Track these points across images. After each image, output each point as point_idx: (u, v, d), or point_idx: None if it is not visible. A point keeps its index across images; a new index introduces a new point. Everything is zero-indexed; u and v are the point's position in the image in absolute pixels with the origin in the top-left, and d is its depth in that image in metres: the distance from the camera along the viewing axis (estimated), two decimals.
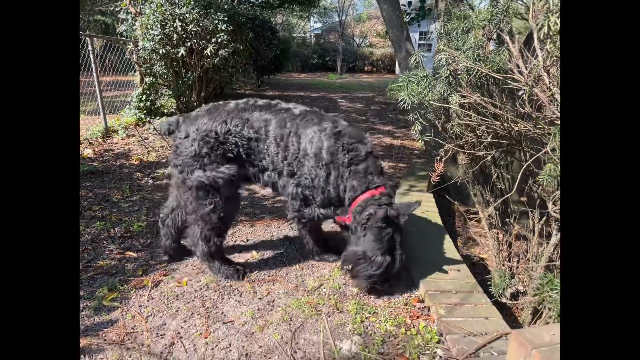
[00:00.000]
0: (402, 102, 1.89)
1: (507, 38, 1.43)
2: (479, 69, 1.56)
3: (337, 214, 1.88)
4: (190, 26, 5.30)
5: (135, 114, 5.55)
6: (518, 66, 1.42)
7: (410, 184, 3.37)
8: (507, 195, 1.77)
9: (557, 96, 1.24)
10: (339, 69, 19.12)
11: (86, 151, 4.09)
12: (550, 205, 1.27)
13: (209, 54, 5.50)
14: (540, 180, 1.17)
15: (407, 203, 1.79)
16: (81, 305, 1.68)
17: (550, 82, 1.27)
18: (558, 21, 1.13)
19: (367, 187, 1.75)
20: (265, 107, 1.89)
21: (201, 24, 5.34)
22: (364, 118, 7.52)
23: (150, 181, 3.37)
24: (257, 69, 9.89)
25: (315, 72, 20.14)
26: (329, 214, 1.89)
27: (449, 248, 2.10)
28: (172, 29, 5.22)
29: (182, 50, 5.32)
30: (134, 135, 4.86)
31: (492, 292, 1.72)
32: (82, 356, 1.40)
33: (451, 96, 1.76)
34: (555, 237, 1.51)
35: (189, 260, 2.09)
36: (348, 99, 10.30)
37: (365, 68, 20.90)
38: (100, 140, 4.60)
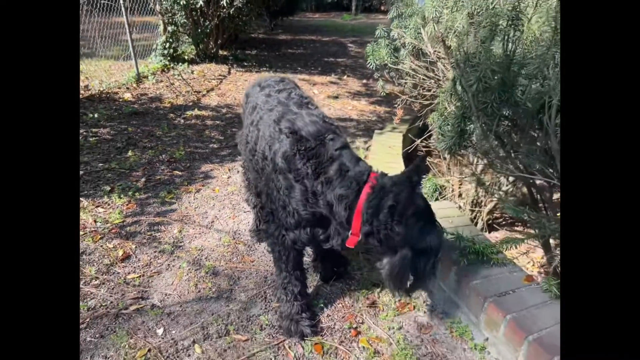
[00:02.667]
0: (369, 64, 2.60)
1: (422, 29, 2.11)
2: (416, 43, 2.26)
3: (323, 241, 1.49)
4: None
5: (161, 61, 6.25)
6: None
7: (392, 126, 4.12)
8: (430, 130, 2.52)
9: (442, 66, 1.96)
10: (353, 9, 18.73)
11: (126, 95, 4.90)
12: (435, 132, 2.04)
13: (225, 5, 6.03)
14: (430, 121, 1.93)
15: (410, 167, 1.32)
16: (151, 200, 2.60)
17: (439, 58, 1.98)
18: (437, 27, 1.82)
19: (358, 188, 1.34)
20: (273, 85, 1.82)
21: None
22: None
23: (182, 121, 4.21)
24: (270, 13, 10.19)
25: (330, 11, 19.77)
26: (303, 238, 1.47)
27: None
28: None
29: (200, 1, 5.86)
30: (162, 81, 5.61)
31: None
32: (159, 225, 2.33)
33: (403, 62, 2.47)
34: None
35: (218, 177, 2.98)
36: (358, 43, 10.58)
37: (382, 8, 20.32)
38: (134, 85, 5.38)
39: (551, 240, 1.78)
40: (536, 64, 1.20)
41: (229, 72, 6.50)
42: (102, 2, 5.24)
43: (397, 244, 1.31)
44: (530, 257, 2.38)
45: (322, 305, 1.75)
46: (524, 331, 1.27)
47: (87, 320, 1.65)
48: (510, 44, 1.33)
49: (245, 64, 7.16)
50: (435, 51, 2.05)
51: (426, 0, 2.30)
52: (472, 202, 2.78)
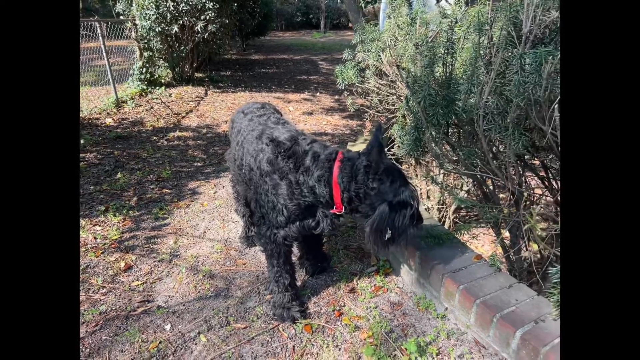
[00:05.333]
0: (338, 84, 2.93)
1: (381, 54, 2.46)
2: (378, 65, 2.61)
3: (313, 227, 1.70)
4: (182, 5, 6.08)
5: (138, 85, 6.44)
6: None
7: (364, 137, 4.46)
8: (393, 140, 2.86)
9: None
10: (322, 26, 19.42)
11: (107, 120, 5.07)
12: (397, 140, 2.37)
13: (199, 30, 6.32)
14: (393, 132, 2.26)
15: (372, 136, 1.52)
16: (145, 217, 2.81)
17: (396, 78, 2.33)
18: (393, 52, 2.17)
19: (330, 165, 1.56)
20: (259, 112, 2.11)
21: (190, 3, 6.12)
22: None
23: (165, 142, 4.42)
24: (242, 35, 10.55)
25: (299, 30, 20.40)
26: (293, 232, 1.70)
27: None
28: (165, 8, 6.01)
29: (175, 28, 6.14)
30: (141, 105, 5.80)
31: None
32: (155, 239, 2.55)
33: (369, 81, 2.81)
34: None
35: (203, 192, 3.21)
36: (329, 61, 11.07)
37: (350, 25, 21.13)
38: (114, 110, 5.54)
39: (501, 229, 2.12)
40: (466, 83, 1.54)
41: (206, 94, 6.75)
42: (81, 32, 5.42)
43: (375, 202, 1.50)
44: (480, 240, 2.74)
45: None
46: (473, 296, 1.58)
47: (101, 322, 1.85)
48: (447, 68, 1.68)
49: (221, 84, 7.44)
50: (394, 72, 2.40)
51: (385, 27, 2.67)
52: (439, 202, 3.13)
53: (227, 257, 2.38)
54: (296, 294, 1.89)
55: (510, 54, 1.39)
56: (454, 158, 2.06)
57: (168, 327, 1.83)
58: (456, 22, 1.80)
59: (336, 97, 7.07)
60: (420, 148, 1.94)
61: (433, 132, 1.78)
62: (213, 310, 1.93)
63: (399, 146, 2.18)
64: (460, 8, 2.18)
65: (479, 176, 1.81)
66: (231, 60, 10.39)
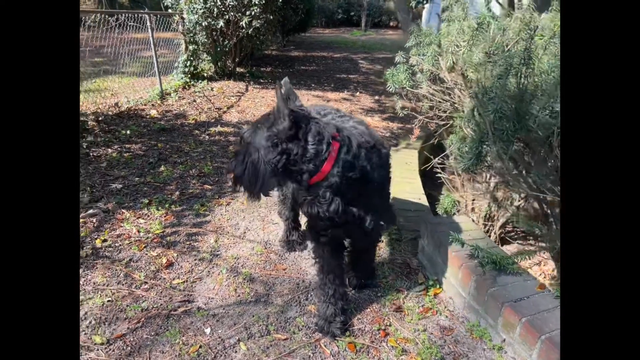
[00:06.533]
0: (388, 88, 2.81)
1: (440, 59, 2.32)
2: (434, 70, 2.47)
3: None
4: (228, 0, 6.11)
5: (182, 78, 6.56)
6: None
7: (407, 142, 4.32)
8: (447, 151, 2.72)
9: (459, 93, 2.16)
10: (363, 24, 19.14)
11: (152, 112, 5.17)
12: (451, 159, 2.23)
13: (244, 26, 6.34)
14: (449, 142, 2.13)
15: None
16: (187, 212, 2.81)
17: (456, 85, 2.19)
18: (454, 58, 2.03)
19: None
20: None
21: None
22: (382, 81, 8.23)
23: (207, 137, 4.45)
24: (284, 31, 10.55)
25: (339, 27, 20.22)
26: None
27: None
28: (212, 3, 6.06)
29: (221, 22, 6.19)
30: (184, 98, 5.89)
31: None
32: (196, 236, 2.54)
33: (420, 86, 2.68)
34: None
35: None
36: (369, 60, 10.89)
37: (391, 23, 20.75)
38: (159, 101, 5.66)
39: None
40: (545, 98, 1.39)
41: (247, 89, 6.78)
42: (130, 24, 5.57)
43: None
44: (541, 269, 2.54)
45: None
46: (537, 331, 1.44)
47: (142, 319, 1.84)
48: (522, 80, 1.53)
49: (261, 80, 7.45)
50: (452, 79, 2.26)
51: (442, 31, 2.53)
52: (485, 216, 2.95)
53: (268, 260, 2.34)
54: (342, 308, 1.80)
55: None
56: (515, 174, 1.90)
57: (208, 330, 1.80)
58: (535, 30, 1.65)
59: (376, 97, 6.92)
60: (481, 163, 1.81)
61: (499, 148, 1.65)
62: (253, 317, 1.88)
63: (455, 158, 2.04)
64: (531, 14, 2.01)
65: (549, 198, 1.65)
66: (271, 56, 10.42)
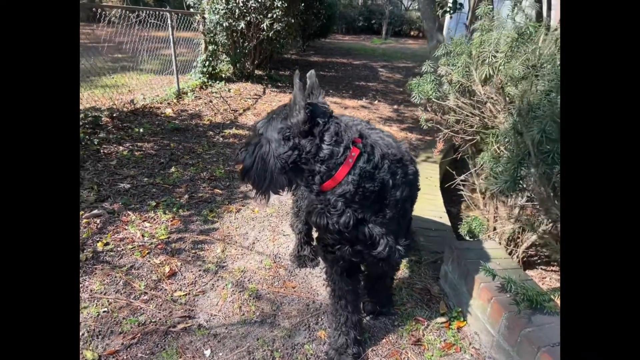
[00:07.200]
0: (413, 98, 2.65)
1: (473, 70, 2.15)
2: (464, 81, 2.30)
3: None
4: (251, 2, 6.04)
5: (200, 78, 6.50)
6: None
7: (427, 155, 4.13)
8: (472, 170, 2.53)
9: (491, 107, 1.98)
10: (383, 33, 19.03)
11: (167, 110, 5.10)
12: (481, 178, 2.05)
13: (265, 28, 6.26)
14: (480, 160, 1.95)
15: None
16: (194, 218, 2.68)
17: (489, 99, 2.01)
18: (490, 70, 1.86)
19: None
20: None
21: (259, 0, 6.06)
22: (401, 90, 8.06)
23: (221, 139, 4.34)
24: (304, 35, 10.48)
25: (360, 34, 20.16)
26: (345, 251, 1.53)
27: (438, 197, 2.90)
28: (235, 4, 6.00)
29: (242, 24, 6.12)
30: (200, 98, 5.82)
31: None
32: (202, 244, 2.40)
33: (447, 98, 2.51)
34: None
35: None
36: (388, 68, 10.74)
37: (412, 33, 20.63)
38: (175, 100, 5.59)
39: None
40: None
41: (264, 92, 6.69)
42: (151, 21, 5.54)
43: None
44: None
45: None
46: None
47: (139, 335, 1.71)
48: None
49: (279, 84, 7.36)
50: (485, 93, 2.08)
51: (474, 41, 2.35)
52: (508, 238, 2.75)
53: (276, 276, 2.18)
54: (354, 338, 1.63)
55: None
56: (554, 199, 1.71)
57: (208, 352, 1.65)
58: None
59: (395, 107, 6.76)
60: (518, 186, 1.62)
61: (543, 172, 1.47)
62: (257, 340, 1.73)
63: (487, 178, 1.87)
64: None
65: None
66: (290, 60, 10.35)
